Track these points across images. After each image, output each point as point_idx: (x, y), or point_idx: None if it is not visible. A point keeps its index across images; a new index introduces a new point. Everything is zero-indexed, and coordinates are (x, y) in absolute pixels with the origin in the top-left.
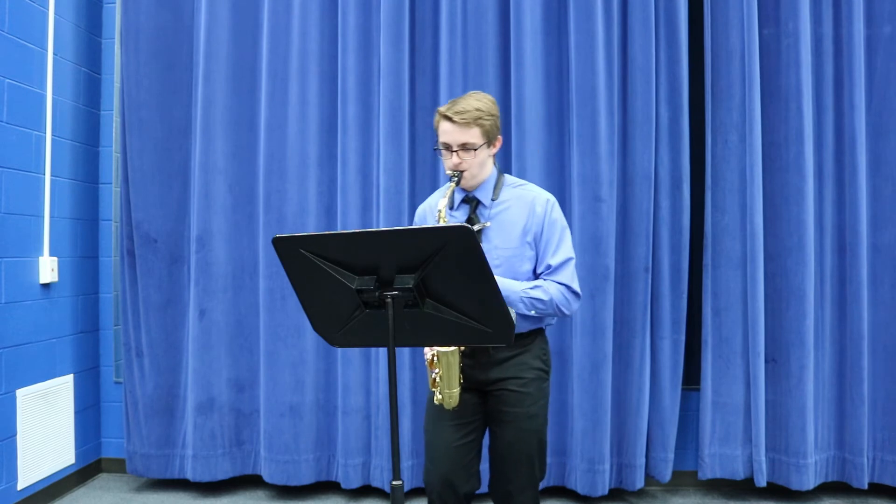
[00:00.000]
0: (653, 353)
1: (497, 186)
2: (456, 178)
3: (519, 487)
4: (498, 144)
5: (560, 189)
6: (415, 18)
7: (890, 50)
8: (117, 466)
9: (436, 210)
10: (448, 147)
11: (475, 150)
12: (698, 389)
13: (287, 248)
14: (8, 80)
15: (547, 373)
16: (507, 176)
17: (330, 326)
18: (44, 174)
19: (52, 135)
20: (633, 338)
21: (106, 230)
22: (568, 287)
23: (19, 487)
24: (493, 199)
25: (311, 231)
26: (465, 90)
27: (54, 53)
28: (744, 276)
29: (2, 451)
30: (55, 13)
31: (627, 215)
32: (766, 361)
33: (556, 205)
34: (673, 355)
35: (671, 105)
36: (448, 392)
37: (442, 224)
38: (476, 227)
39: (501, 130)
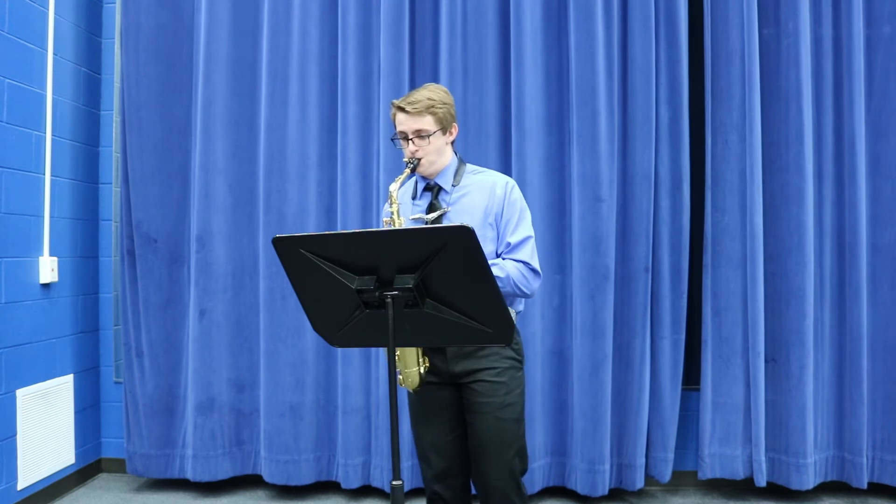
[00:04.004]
0: (653, 353)
1: (458, 173)
2: (412, 165)
3: (500, 479)
4: (454, 132)
5: (560, 189)
6: (415, 18)
7: (890, 50)
8: (117, 466)
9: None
10: (404, 136)
11: (429, 136)
12: (698, 389)
13: (287, 248)
14: (8, 80)
15: (520, 362)
16: (467, 164)
17: (330, 326)
18: (44, 174)
19: (52, 135)
20: (633, 338)
21: (106, 230)
22: (526, 264)
23: (19, 487)
24: (453, 185)
25: (311, 231)
26: (465, 90)
27: (54, 53)
28: (744, 276)
29: (2, 451)
30: (55, 13)
31: (627, 215)
32: (766, 361)
33: (516, 187)
34: (673, 355)
35: (671, 105)
36: (407, 372)
37: (394, 215)
38: (437, 213)
39: (501, 130)
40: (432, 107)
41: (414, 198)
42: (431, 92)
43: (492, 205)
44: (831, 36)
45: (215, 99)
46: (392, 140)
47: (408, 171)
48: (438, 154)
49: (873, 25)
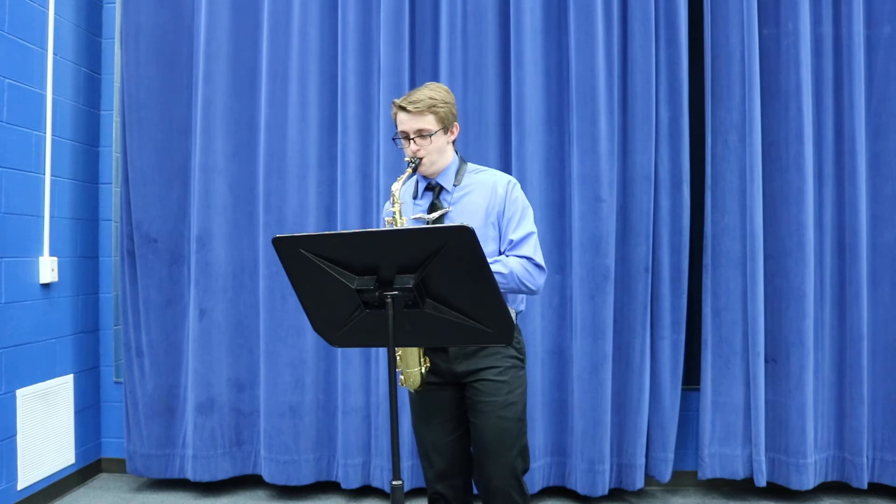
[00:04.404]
0: (653, 353)
1: (459, 173)
2: (414, 165)
3: (502, 478)
4: (455, 131)
5: (560, 189)
6: (415, 18)
7: (890, 50)
8: (117, 466)
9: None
10: (405, 135)
11: (431, 136)
12: (698, 389)
13: (287, 248)
14: (8, 80)
15: (522, 361)
16: (468, 163)
17: (330, 326)
18: (44, 174)
19: (52, 135)
20: (633, 338)
21: (106, 230)
22: (530, 259)
23: (19, 487)
24: (455, 185)
25: (311, 231)
26: (465, 90)
27: (54, 53)
28: (744, 276)
29: (2, 451)
30: (55, 13)
31: (627, 215)
32: (766, 361)
33: (518, 185)
34: (673, 355)
35: (671, 105)
36: (408, 372)
37: (396, 217)
38: (438, 213)
39: (501, 129)
40: (434, 106)
41: (415, 197)
42: (433, 91)
43: (493, 204)
44: (831, 36)
45: (215, 99)
46: (393, 139)
47: (409, 170)
48: (440, 153)
49: (873, 25)
